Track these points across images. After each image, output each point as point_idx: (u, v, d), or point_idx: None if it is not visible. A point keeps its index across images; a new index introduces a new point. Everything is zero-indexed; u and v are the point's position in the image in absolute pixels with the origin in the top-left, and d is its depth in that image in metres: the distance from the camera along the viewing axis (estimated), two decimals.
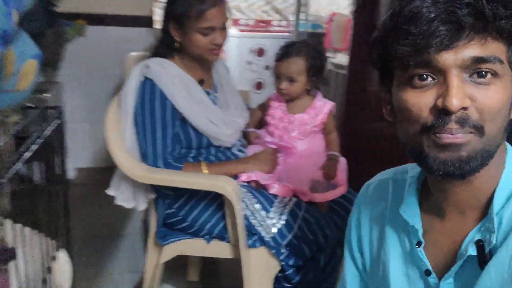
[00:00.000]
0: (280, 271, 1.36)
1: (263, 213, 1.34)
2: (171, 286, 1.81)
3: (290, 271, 1.34)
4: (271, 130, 1.55)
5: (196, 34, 1.38)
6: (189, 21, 1.37)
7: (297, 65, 1.45)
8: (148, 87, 1.37)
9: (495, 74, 0.62)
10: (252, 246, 1.34)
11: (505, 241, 0.65)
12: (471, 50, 0.61)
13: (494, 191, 0.67)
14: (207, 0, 1.36)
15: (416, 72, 0.64)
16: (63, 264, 1.35)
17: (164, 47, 1.45)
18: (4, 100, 1.13)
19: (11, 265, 0.97)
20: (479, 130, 0.62)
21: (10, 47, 1.12)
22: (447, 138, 0.62)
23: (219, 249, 1.39)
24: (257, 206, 1.34)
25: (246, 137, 1.61)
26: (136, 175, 1.32)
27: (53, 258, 1.28)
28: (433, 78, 0.63)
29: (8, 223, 1.10)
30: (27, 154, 1.09)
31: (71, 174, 2.94)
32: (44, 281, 1.18)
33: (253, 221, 1.33)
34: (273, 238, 1.32)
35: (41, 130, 1.25)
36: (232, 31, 4.37)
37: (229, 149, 1.51)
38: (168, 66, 1.42)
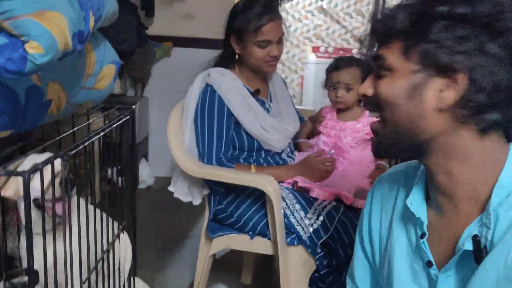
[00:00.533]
0: (315, 271, 1.41)
1: (302, 213, 1.41)
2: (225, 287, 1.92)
3: (325, 271, 1.39)
4: (323, 140, 1.62)
5: (254, 47, 1.53)
6: (248, 35, 1.52)
7: (354, 73, 1.55)
8: (208, 92, 1.53)
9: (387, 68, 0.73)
10: (291, 244, 1.41)
11: (503, 237, 0.67)
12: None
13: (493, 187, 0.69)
14: (264, 16, 1.51)
15: None
16: (124, 245, 1.52)
17: (225, 59, 1.62)
18: (83, 95, 1.34)
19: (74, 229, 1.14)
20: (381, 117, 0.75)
21: (92, 51, 1.35)
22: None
23: (261, 245, 1.48)
24: (297, 206, 1.42)
25: (298, 147, 1.71)
26: (189, 169, 1.47)
27: (117, 237, 1.45)
28: None
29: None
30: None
31: (151, 181, 3.22)
32: (105, 256, 1.34)
33: (292, 220, 1.41)
34: (310, 237, 1.38)
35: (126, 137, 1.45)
36: (311, 57, 4.52)
37: (279, 154, 1.61)
38: (227, 75, 1.57)
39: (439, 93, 0.69)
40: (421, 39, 0.68)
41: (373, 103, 0.75)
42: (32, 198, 1.01)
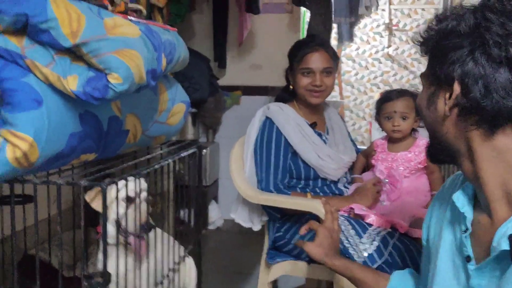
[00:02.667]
0: None
1: (356, 238, 1.44)
2: None
3: None
4: (380, 168, 1.67)
5: (299, 75, 1.66)
6: (295, 63, 1.66)
7: (408, 102, 1.60)
8: (267, 124, 1.66)
9: None
10: None
11: None
12: None
13: None
14: (310, 46, 1.64)
15: None
16: (189, 268, 1.63)
17: (285, 93, 1.76)
18: (157, 129, 1.52)
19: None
20: None
21: (165, 90, 1.54)
22: None
23: (317, 271, 1.52)
24: (352, 231, 1.46)
25: (352, 183, 1.76)
26: (248, 195, 1.58)
27: (182, 259, 1.56)
28: None
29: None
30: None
31: (220, 222, 3.36)
32: (173, 275, 1.46)
33: (347, 245, 1.44)
34: (364, 262, 1.40)
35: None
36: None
37: (335, 184, 1.67)
38: (285, 108, 1.70)
39: (446, 100, 0.78)
40: (431, 57, 0.81)
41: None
42: (114, 216, 1.17)
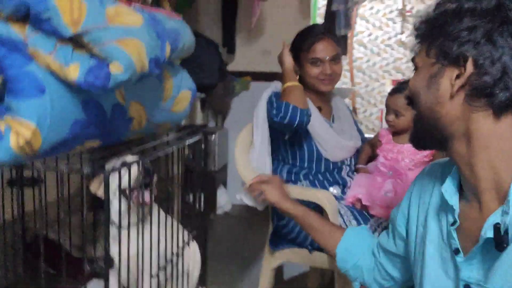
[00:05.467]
0: None
1: None
2: None
3: None
4: (381, 161, 1.66)
5: (308, 65, 1.64)
6: (303, 53, 1.65)
7: (402, 100, 1.57)
8: (276, 95, 1.65)
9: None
10: None
11: None
12: None
13: None
14: (316, 35, 1.62)
15: None
16: (194, 252, 1.65)
17: None
18: (162, 116, 1.53)
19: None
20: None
21: (170, 78, 1.55)
22: None
23: (319, 259, 1.53)
24: (354, 222, 1.46)
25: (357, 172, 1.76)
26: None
27: (187, 243, 1.58)
28: None
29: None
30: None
31: (228, 207, 3.39)
32: (177, 260, 1.48)
33: None
34: None
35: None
36: (388, 89, 4.52)
37: (339, 172, 1.67)
38: None
39: (452, 80, 0.76)
40: (437, 36, 0.78)
41: (411, 100, 0.86)
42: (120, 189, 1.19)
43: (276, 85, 1.71)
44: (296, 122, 1.52)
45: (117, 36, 1.02)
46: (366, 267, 1.06)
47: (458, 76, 0.75)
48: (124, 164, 1.08)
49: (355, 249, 1.08)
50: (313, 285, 1.96)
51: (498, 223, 0.71)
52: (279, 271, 2.11)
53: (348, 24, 3.33)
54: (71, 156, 1.32)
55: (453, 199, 0.81)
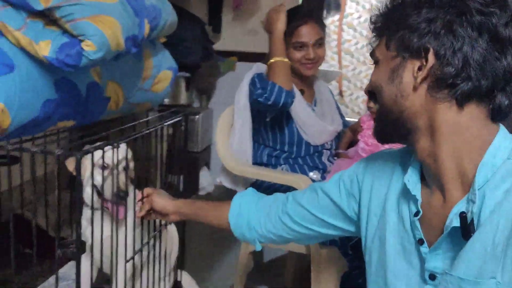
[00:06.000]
0: (346, 272, 1.43)
1: None
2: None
3: (355, 272, 1.41)
4: (362, 146, 1.65)
5: (291, 49, 1.62)
6: (286, 37, 1.61)
7: None
8: (257, 76, 1.61)
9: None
10: (323, 244, 1.45)
11: (490, 216, 0.69)
12: None
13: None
14: (300, 19, 1.59)
15: None
16: (172, 235, 1.64)
17: None
18: (140, 96, 1.50)
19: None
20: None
21: (150, 57, 1.50)
22: None
23: (295, 244, 1.53)
24: None
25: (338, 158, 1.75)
26: (229, 166, 1.58)
27: (164, 226, 1.57)
28: None
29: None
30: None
31: (210, 188, 3.38)
32: (153, 243, 1.47)
33: None
34: (341, 238, 1.41)
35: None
36: None
37: (319, 156, 1.66)
38: None
39: (415, 72, 0.75)
40: (396, 28, 0.77)
41: (372, 95, 0.83)
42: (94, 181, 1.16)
43: (258, 67, 1.68)
44: (281, 103, 1.50)
45: (91, 12, 0.98)
46: (257, 221, 1.05)
47: (420, 68, 0.75)
48: (97, 147, 1.05)
49: (243, 210, 1.07)
50: (291, 268, 1.97)
51: (463, 212, 0.71)
52: (258, 253, 2.12)
53: (338, 6, 3.29)
54: (48, 135, 1.29)
55: (416, 189, 0.80)
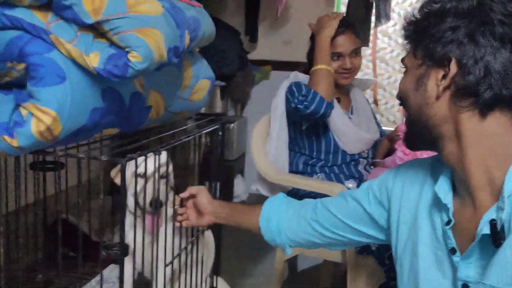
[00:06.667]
0: (384, 283, 1.42)
1: None
2: None
3: (393, 283, 1.38)
4: (399, 155, 1.64)
5: None
6: None
7: None
8: (294, 84, 1.63)
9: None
10: (360, 253, 1.44)
11: None
12: None
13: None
14: (337, 28, 1.60)
15: None
16: (208, 241, 1.67)
17: (307, 72, 1.73)
18: (180, 105, 1.54)
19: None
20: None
21: (189, 67, 1.55)
22: None
23: (331, 253, 1.53)
24: None
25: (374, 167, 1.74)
26: (266, 174, 1.59)
27: (201, 232, 1.60)
28: None
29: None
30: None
31: (245, 196, 3.40)
32: (191, 248, 1.50)
33: None
34: (378, 248, 1.40)
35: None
36: None
37: (355, 165, 1.66)
38: None
39: (438, 81, 0.77)
40: (422, 37, 0.78)
41: (401, 101, 0.86)
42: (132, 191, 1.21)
43: (295, 75, 1.69)
44: (320, 113, 1.50)
45: (136, 25, 1.02)
46: (287, 226, 1.06)
47: (443, 77, 0.76)
48: (141, 154, 1.09)
49: (273, 215, 1.08)
50: (326, 277, 1.96)
51: (494, 219, 0.71)
52: (293, 261, 2.12)
53: (388, 15, 3.28)
54: (92, 143, 1.35)
55: (447, 198, 0.80)
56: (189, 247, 1.45)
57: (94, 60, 1.01)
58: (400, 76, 4.80)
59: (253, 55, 3.35)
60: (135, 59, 1.01)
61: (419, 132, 0.82)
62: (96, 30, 1.03)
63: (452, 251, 0.78)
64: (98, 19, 0.99)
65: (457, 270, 0.77)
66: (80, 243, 1.30)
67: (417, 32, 0.80)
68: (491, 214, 0.73)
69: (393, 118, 4.83)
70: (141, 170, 1.16)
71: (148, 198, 1.20)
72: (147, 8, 1.08)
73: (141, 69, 1.03)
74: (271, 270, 2.02)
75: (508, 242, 0.69)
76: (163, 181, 1.25)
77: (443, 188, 0.82)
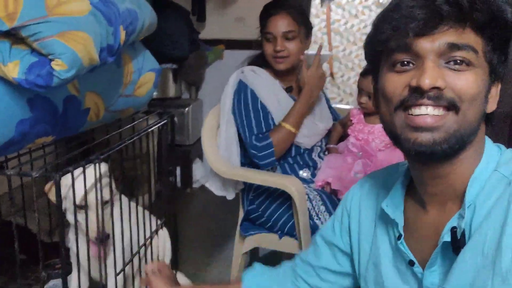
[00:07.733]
0: None
1: (326, 214, 1.43)
2: None
3: None
4: (352, 141, 1.63)
5: (264, 41, 1.58)
6: (261, 28, 1.57)
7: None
8: (242, 88, 1.59)
9: (469, 63, 0.67)
10: None
11: (479, 227, 0.68)
12: (447, 37, 0.67)
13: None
14: (272, 9, 1.55)
15: (398, 58, 0.70)
16: (163, 240, 1.62)
17: (260, 58, 1.67)
18: (123, 102, 1.45)
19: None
20: (455, 106, 0.67)
21: (130, 62, 1.46)
22: (418, 120, 0.68)
23: (288, 245, 1.52)
24: (322, 207, 1.44)
25: (328, 152, 1.72)
26: (219, 170, 1.55)
27: (155, 232, 1.55)
28: (413, 64, 0.70)
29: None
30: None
31: (205, 180, 3.35)
32: (144, 251, 1.45)
33: (317, 222, 1.43)
34: None
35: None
36: None
37: (309, 153, 1.63)
38: (259, 72, 1.62)
39: (494, 96, 0.73)
40: (500, 45, 0.69)
41: (442, 97, 0.67)
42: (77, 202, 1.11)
43: (243, 69, 1.63)
44: (261, 164, 1.54)
45: (59, 29, 0.93)
46: None
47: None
48: (77, 165, 1.01)
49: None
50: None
51: (454, 227, 0.70)
52: (254, 251, 2.11)
53: None
54: (22, 155, 1.23)
55: (396, 213, 0.78)
56: (142, 250, 1.40)
57: (13, 70, 0.92)
58: (355, 48, 4.80)
59: (203, 34, 3.24)
60: (60, 67, 0.93)
61: (460, 140, 0.68)
62: (14, 36, 0.93)
63: (411, 263, 0.77)
64: (14, 25, 0.89)
65: (422, 280, 0.76)
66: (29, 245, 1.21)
67: (495, 27, 0.67)
68: (453, 222, 0.71)
69: (349, 90, 4.85)
70: (79, 201, 1.05)
71: (92, 231, 1.11)
72: (71, 8, 0.98)
73: (67, 77, 0.95)
74: (231, 260, 2.01)
75: (467, 246, 0.68)
76: (107, 208, 1.16)
77: (393, 203, 0.79)
